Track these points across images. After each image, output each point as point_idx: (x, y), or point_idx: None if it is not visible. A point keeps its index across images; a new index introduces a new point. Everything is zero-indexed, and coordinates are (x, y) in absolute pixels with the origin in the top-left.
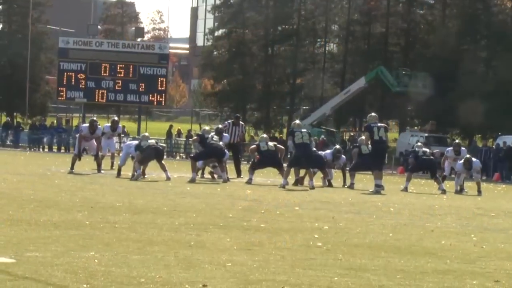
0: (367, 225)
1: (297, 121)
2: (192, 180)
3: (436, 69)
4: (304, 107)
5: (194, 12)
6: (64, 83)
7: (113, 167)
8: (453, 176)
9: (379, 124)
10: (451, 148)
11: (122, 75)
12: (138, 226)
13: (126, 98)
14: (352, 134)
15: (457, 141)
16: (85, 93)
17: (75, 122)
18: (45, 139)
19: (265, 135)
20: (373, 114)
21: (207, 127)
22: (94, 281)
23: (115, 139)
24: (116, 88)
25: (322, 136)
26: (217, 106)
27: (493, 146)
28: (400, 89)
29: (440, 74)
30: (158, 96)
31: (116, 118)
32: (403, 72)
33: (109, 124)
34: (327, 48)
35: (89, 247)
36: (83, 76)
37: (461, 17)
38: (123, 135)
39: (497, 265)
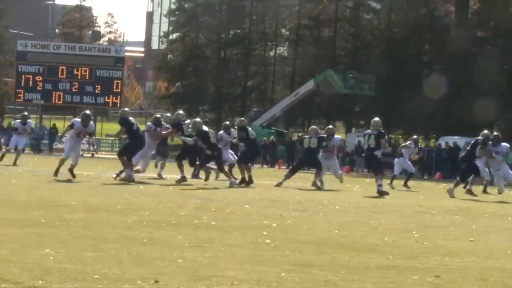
0: (314, 223)
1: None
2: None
3: (381, 72)
4: (255, 109)
5: (150, 16)
6: (22, 85)
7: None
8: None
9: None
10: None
11: (79, 77)
12: (93, 224)
13: (82, 99)
14: (300, 135)
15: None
16: (42, 95)
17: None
18: (2, 140)
19: None
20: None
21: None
22: (49, 277)
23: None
24: (73, 90)
25: (272, 137)
26: (171, 108)
27: (435, 146)
28: (347, 91)
29: (386, 77)
30: (114, 97)
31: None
32: (350, 75)
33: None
34: (277, 52)
35: (45, 244)
36: (41, 78)
37: (405, 22)
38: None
39: (437, 260)
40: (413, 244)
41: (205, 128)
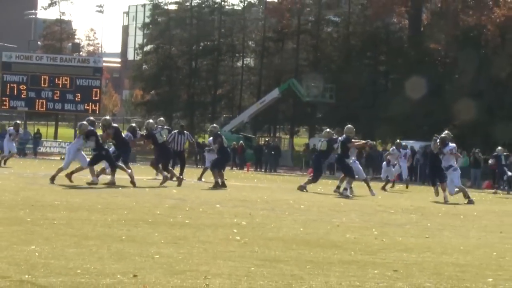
0: (280, 221)
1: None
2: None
3: (341, 81)
4: (225, 115)
5: (125, 29)
6: (7, 93)
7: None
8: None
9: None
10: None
11: (60, 86)
12: (75, 222)
13: (64, 107)
14: (267, 139)
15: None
16: (26, 103)
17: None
18: None
19: None
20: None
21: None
22: (35, 272)
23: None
24: (55, 98)
25: (241, 141)
26: (146, 114)
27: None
28: (309, 98)
29: (345, 85)
30: (93, 105)
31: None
32: (312, 84)
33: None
34: (244, 62)
35: (30, 241)
36: (25, 87)
37: (362, 35)
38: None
39: (395, 256)
40: (373, 241)
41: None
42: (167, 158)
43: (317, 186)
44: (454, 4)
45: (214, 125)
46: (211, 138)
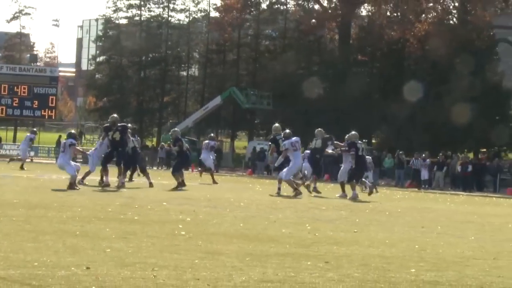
0: (222, 217)
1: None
2: None
3: (278, 90)
4: (171, 121)
5: (80, 42)
6: None
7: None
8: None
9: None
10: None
11: (19, 94)
12: (32, 219)
13: (22, 113)
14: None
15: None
16: None
17: None
18: None
19: None
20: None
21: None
22: None
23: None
24: (14, 104)
25: (186, 145)
26: (98, 120)
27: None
28: (249, 105)
29: (282, 94)
30: (49, 111)
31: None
32: (251, 92)
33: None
34: (189, 72)
35: None
36: None
37: (297, 47)
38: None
39: (327, 249)
40: (306, 235)
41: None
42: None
43: (256, 185)
44: (379, 19)
45: (175, 129)
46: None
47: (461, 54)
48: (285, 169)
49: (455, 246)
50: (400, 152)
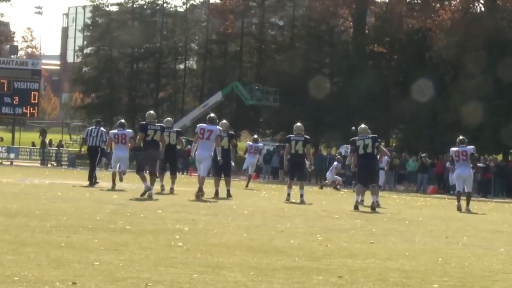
0: (224, 226)
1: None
2: None
3: (285, 85)
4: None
5: (65, 31)
6: None
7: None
8: None
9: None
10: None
11: None
12: (12, 228)
13: (1, 110)
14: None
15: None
16: None
17: None
18: None
19: None
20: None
21: None
22: None
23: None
24: None
25: (189, 146)
26: (86, 118)
27: (337, 154)
28: (253, 102)
29: (289, 89)
30: (31, 108)
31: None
32: (256, 87)
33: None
34: (187, 65)
35: None
36: None
37: (307, 38)
38: None
39: (340, 262)
40: (317, 247)
41: None
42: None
43: (261, 191)
44: (399, 6)
45: (169, 118)
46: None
47: (489, 46)
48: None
49: (482, 259)
50: (423, 155)
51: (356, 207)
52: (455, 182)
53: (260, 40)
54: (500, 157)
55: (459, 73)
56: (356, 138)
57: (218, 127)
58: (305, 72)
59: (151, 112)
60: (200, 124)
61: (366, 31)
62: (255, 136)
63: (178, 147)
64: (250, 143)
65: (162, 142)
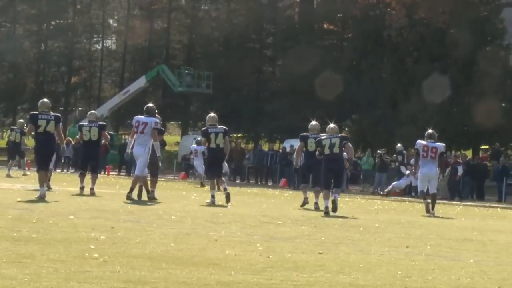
0: (147, 235)
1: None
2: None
3: (220, 69)
4: (80, 108)
5: None
6: None
7: None
8: None
9: (216, 129)
10: None
11: None
12: None
13: None
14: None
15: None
16: None
17: None
18: None
19: None
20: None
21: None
22: None
23: None
24: None
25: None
26: None
27: (280, 150)
28: (182, 89)
29: (225, 73)
30: None
31: None
32: (186, 71)
33: None
34: (104, 45)
35: None
36: None
37: (246, 14)
38: None
39: (283, 275)
40: (257, 258)
41: None
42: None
43: (192, 192)
44: None
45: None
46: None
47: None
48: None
49: (448, 272)
50: (383, 152)
51: (326, 213)
52: (419, 182)
53: (191, 16)
54: (469, 153)
55: (423, 55)
56: (323, 136)
57: (154, 118)
58: (243, 54)
59: (45, 100)
60: (137, 116)
61: (315, 6)
62: (198, 138)
63: (102, 142)
64: (195, 146)
65: (58, 135)
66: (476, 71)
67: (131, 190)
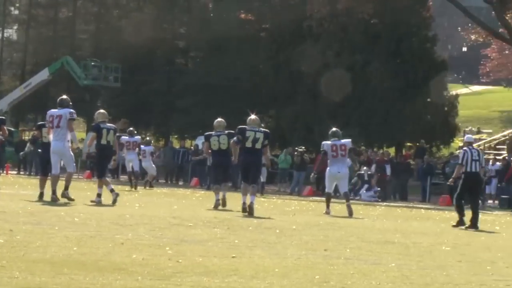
0: (49, 238)
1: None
2: None
3: (129, 61)
4: None
5: None
6: None
7: None
8: None
9: (108, 126)
10: None
11: None
12: None
13: None
14: (34, 133)
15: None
16: None
17: None
18: None
19: None
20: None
21: None
22: None
23: None
24: None
25: None
26: None
27: (192, 148)
28: (88, 82)
29: (134, 66)
30: None
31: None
32: (92, 63)
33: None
34: (4, 34)
35: None
36: None
37: (157, 1)
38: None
39: (194, 281)
40: (166, 262)
41: None
42: None
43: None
44: None
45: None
46: None
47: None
48: None
49: (369, 276)
50: (301, 149)
51: (244, 210)
52: (326, 182)
53: (99, 4)
54: (392, 151)
55: (345, 46)
56: (246, 127)
57: (68, 109)
58: (153, 45)
59: None
60: (50, 110)
61: None
62: (131, 128)
63: (2, 138)
64: (126, 137)
65: None
66: (400, 63)
67: (67, 187)
